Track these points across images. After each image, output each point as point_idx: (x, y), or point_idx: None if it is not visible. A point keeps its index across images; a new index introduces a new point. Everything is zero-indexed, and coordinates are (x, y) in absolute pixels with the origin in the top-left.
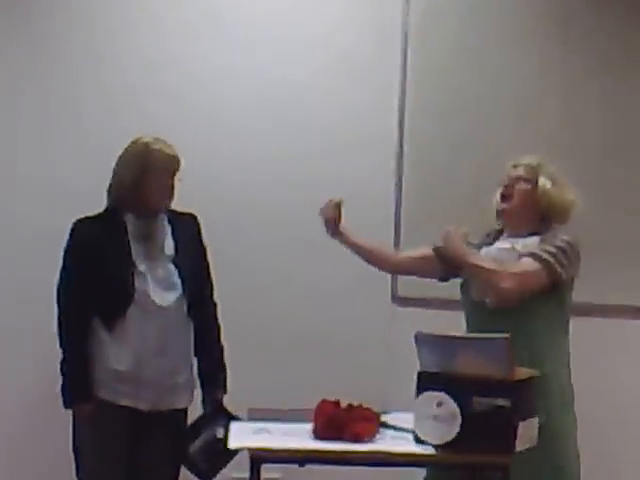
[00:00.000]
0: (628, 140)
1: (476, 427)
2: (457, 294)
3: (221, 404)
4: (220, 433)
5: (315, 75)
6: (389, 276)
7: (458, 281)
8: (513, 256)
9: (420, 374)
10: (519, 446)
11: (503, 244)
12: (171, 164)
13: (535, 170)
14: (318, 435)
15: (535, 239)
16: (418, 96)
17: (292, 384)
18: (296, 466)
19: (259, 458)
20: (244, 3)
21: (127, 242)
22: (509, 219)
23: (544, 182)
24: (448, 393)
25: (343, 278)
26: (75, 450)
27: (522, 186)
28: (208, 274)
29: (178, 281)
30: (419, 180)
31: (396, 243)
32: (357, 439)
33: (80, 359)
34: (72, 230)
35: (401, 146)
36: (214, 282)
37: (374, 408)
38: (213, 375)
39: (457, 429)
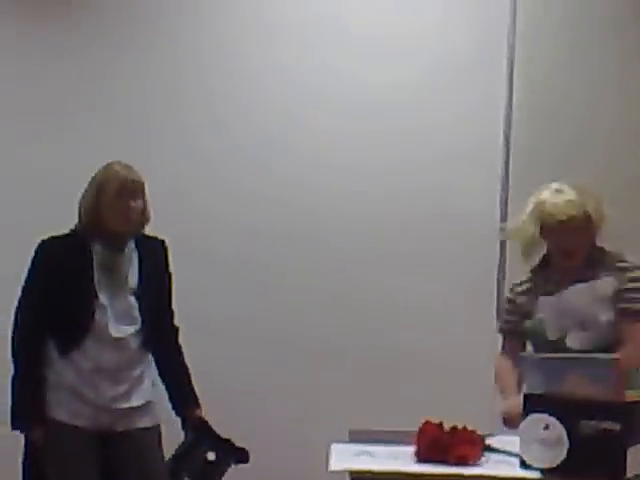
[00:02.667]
0: None
1: (584, 451)
2: None
3: (202, 423)
4: (211, 456)
5: (418, 78)
6: (495, 295)
7: None
8: (600, 308)
9: (526, 396)
10: (629, 472)
11: (577, 294)
12: (124, 186)
13: (582, 210)
14: (421, 458)
15: (609, 281)
16: (525, 99)
17: (394, 405)
18: None
19: None
20: (347, 6)
21: (91, 272)
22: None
23: (596, 216)
24: (555, 416)
25: (450, 296)
26: (36, 476)
27: (582, 239)
28: (169, 303)
29: (137, 314)
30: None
31: (502, 256)
32: (461, 462)
33: (34, 380)
34: (39, 249)
35: (507, 152)
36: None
37: (479, 431)
38: (181, 397)
39: (564, 453)
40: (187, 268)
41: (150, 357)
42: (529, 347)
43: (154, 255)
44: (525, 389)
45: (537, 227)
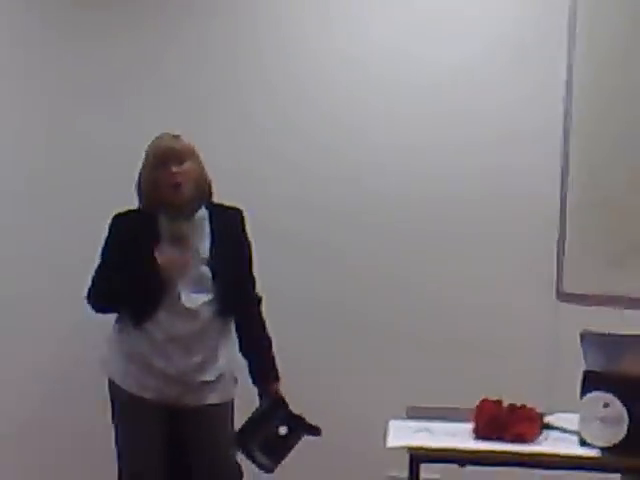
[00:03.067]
0: None
1: None
2: (624, 290)
3: (278, 398)
4: (283, 430)
5: (478, 58)
6: (554, 271)
7: (626, 273)
8: None
9: (586, 374)
10: None
11: None
12: (164, 153)
13: None
14: (479, 435)
15: None
16: (586, 79)
17: (453, 383)
18: (456, 466)
19: (418, 457)
20: None
21: (159, 244)
22: None
23: None
24: (615, 394)
25: (506, 274)
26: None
27: None
28: (248, 271)
29: (210, 284)
30: (585, 171)
31: (561, 239)
32: (519, 440)
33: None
34: (112, 222)
35: (566, 139)
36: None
37: (537, 408)
38: (261, 370)
39: (624, 431)
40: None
41: (229, 328)
42: None
43: (229, 224)
44: (585, 366)
45: None
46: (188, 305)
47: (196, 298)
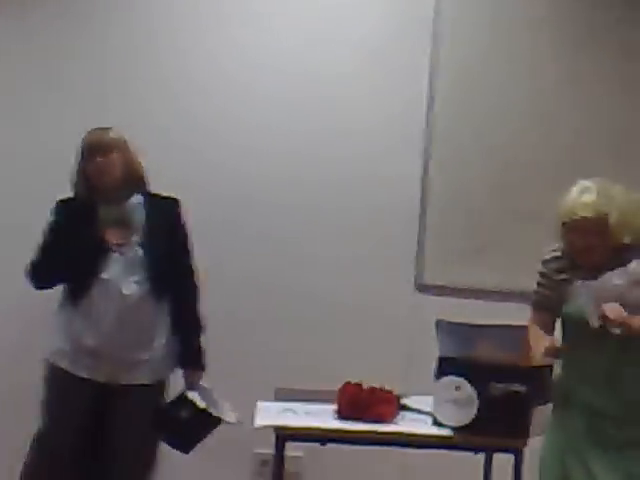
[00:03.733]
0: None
1: (493, 411)
2: (477, 283)
3: (184, 395)
4: (202, 404)
5: (349, 75)
6: (413, 264)
7: (480, 268)
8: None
9: (440, 359)
10: (533, 431)
11: (615, 280)
12: (90, 145)
13: (597, 213)
14: (341, 415)
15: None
16: (445, 90)
17: (318, 367)
18: (318, 445)
19: (284, 436)
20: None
21: (97, 226)
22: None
23: (616, 221)
24: (466, 378)
25: (370, 269)
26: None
27: (593, 241)
28: (181, 257)
29: (142, 265)
30: (444, 177)
31: (420, 238)
32: (378, 420)
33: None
34: (54, 208)
35: (427, 147)
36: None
37: (395, 391)
38: (183, 354)
39: (474, 413)
40: None
41: (164, 310)
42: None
43: (163, 211)
44: (439, 353)
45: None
46: (120, 284)
47: (128, 278)
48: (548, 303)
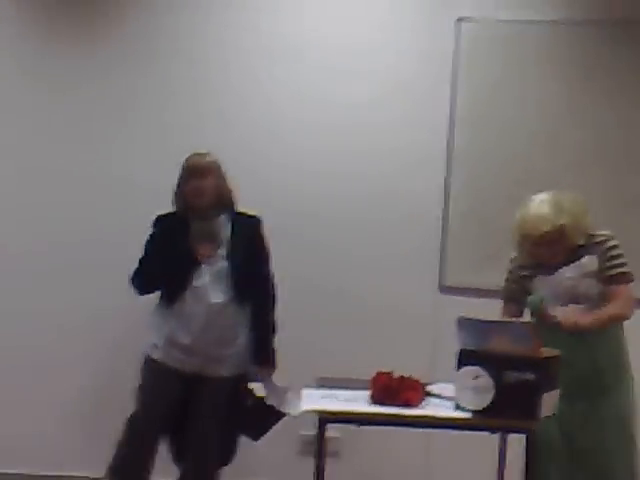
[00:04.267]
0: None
1: (507, 397)
2: (494, 285)
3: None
4: (261, 393)
5: (382, 103)
6: (436, 268)
7: (495, 271)
8: (588, 283)
9: (461, 352)
10: (543, 413)
11: (568, 274)
12: (189, 169)
13: (552, 225)
14: (374, 401)
15: (590, 259)
16: (465, 116)
17: (354, 358)
18: (354, 427)
19: (325, 419)
20: (318, 37)
21: (189, 240)
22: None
23: (570, 226)
24: (484, 368)
25: (398, 269)
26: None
27: (555, 250)
28: (260, 268)
29: (227, 275)
30: (464, 191)
31: (442, 257)
32: (406, 405)
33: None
34: (153, 223)
35: (449, 165)
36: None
37: (421, 380)
38: (257, 352)
39: (491, 398)
40: None
41: (245, 313)
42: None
43: (246, 228)
44: (459, 346)
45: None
46: (208, 292)
47: (215, 286)
48: (514, 296)
